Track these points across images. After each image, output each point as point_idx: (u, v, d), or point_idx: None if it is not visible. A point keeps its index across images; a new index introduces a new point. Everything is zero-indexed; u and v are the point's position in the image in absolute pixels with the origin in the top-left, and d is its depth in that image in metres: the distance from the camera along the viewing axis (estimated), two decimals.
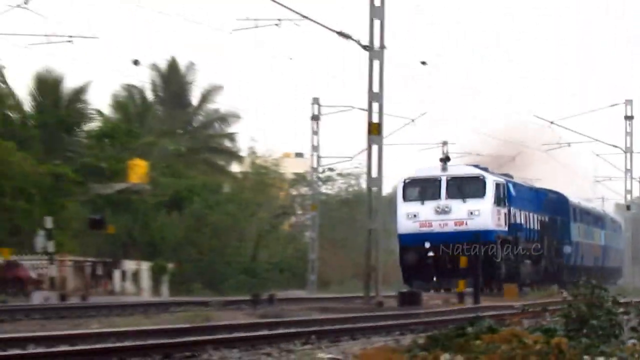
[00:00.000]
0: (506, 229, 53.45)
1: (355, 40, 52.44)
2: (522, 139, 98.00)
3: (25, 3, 61.89)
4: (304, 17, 53.16)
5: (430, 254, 48.24)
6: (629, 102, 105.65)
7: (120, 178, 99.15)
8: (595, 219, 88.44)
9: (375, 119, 51.98)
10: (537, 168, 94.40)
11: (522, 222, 58.79)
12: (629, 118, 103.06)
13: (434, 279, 52.81)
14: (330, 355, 24.75)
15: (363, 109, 54.83)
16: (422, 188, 50.08)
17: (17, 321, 38.05)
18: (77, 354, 20.76)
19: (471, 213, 46.68)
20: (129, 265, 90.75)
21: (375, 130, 51.78)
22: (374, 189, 54.59)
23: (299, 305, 46.94)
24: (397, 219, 50.62)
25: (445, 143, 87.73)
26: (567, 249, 68.06)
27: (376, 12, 51.67)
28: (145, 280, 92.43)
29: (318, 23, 54.03)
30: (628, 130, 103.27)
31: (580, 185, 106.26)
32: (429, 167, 53.17)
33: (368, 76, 52.14)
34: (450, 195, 46.74)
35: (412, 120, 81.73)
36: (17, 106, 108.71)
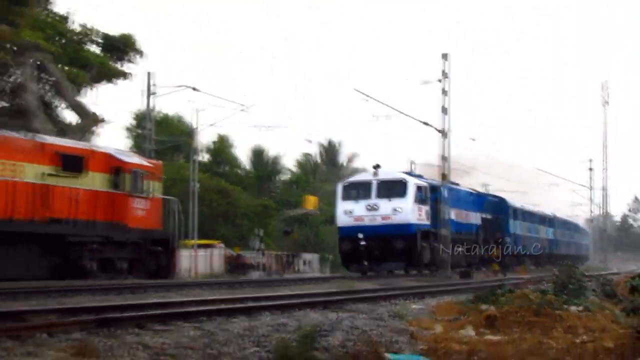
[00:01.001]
0: (428, 222, 45.90)
1: (433, 127, 52.36)
2: (529, 180, 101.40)
3: (247, 109, 62.22)
4: (404, 114, 53.56)
5: (363, 243, 42.94)
6: (590, 161, 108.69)
7: (301, 207, 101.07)
8: (542, 219, 79.00)
9: (445, 171, 51.98)
10: (540, 197, 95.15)
11: (454, 217, 50.78)
12: (590, 169, 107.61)
13: (366, 263, 46.48)
14: (418, 306, 25.23)
15: (439, 165, 54.59)
16: (357, 190, 45.22)
17: (244, 288, 38.84)
18: (275, 307, 21.08)
19: (394, 209, 41.41)
20: (307, 256, 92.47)
21: (445, 178, 51.75)
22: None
23: (403, 278, 46.76)
24: (337, 215, 46.53)
25: (485, 185, 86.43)
26: (507, 239, 58.90)
27: (445, 111, 51.50)
28: (316, 265, 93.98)
29: (412, 117, 54.17)
30: (591, 176, 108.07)
31: (563, 208, 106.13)
32: (364, 174, 49.30)
33: (441, 147, 51.95)
34: (379, 195, 42.09)
35: (467, 173, 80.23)
36: (241, 166, 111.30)
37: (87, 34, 55.73)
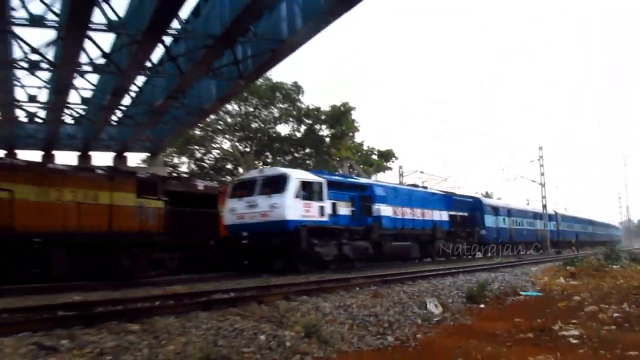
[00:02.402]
0: (324, 219, 23.90)
1: (537, 183, 49.57)
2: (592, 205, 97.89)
3: (446, 179, 61.54)
4: (522, 176, 52.01)
5: (245, 241, 24.01)
6: (619, 197, 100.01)
7: None
8: (536, 215, 51.70)
9: (544, 203, 49.07)
10: (596, 213, 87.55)
11: (391, 214, 28.54)
12: (619, 197, 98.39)
13: (249, 259, 25.20)
14: (535, 268, 24.16)
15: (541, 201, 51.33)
16: (242, 188, 25.42)
17: (451, 263, 30.82)
18: (464, 271, 20.40)
19: (272, 206, 23.67)
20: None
21: (544, 208, 48.43)
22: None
23: (531, 256, 42.44)
24: (225, 214, 26.01)
25: (556, 212, 79.23)
26: (483, 232, 38.89)
27: (542, 174, 48.69)
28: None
29: (528, 178, 52.14)
30: (620, 204, 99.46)
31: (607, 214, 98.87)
32: (252, 171, 29.80)
33: (541, 193, 49.08)
34: (261, 192, 23.56)
35: (556, 208, 73.87)
36: None
37: (371, 150, 56.53)
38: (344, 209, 24.61)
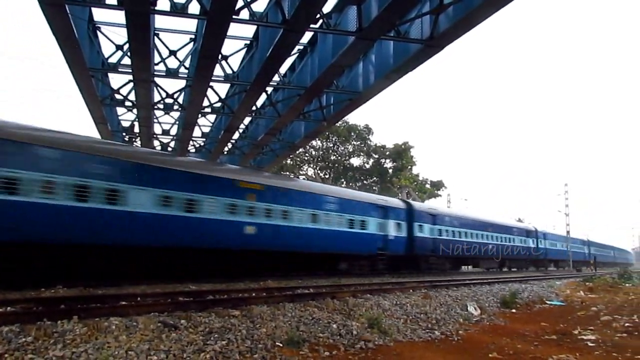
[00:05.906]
0: None
1: (563, 212, 47.11)
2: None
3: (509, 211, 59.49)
4: (554, 208, 49.80)
5: None
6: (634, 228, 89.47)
7: None
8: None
9: (567, 228, 46.72)
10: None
11: None
12: (632, 229, 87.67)
13: None
14: (559, 282, 22.80)
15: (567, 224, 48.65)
16: None
17: (491, 274, 29.14)
18: (499, 282, 19.65)
19: None
20: None
21: (568, 233, 46.36)
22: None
23: (559, 271, 38.88)
24: None
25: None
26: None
27: (566, 204, 46.40)
28: None
29: (559, 210, 50.02)
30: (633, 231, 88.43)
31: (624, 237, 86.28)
32: None
33: (565, 219, 46.52)
34: None
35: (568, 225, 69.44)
36: None
37: (426, 180, 55.60)
38: None
